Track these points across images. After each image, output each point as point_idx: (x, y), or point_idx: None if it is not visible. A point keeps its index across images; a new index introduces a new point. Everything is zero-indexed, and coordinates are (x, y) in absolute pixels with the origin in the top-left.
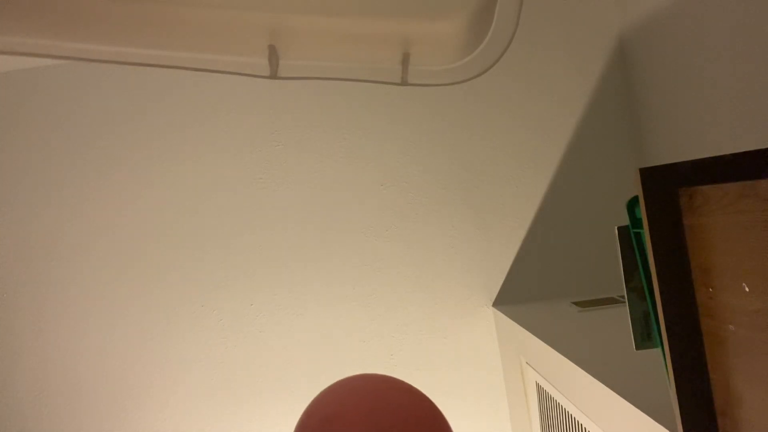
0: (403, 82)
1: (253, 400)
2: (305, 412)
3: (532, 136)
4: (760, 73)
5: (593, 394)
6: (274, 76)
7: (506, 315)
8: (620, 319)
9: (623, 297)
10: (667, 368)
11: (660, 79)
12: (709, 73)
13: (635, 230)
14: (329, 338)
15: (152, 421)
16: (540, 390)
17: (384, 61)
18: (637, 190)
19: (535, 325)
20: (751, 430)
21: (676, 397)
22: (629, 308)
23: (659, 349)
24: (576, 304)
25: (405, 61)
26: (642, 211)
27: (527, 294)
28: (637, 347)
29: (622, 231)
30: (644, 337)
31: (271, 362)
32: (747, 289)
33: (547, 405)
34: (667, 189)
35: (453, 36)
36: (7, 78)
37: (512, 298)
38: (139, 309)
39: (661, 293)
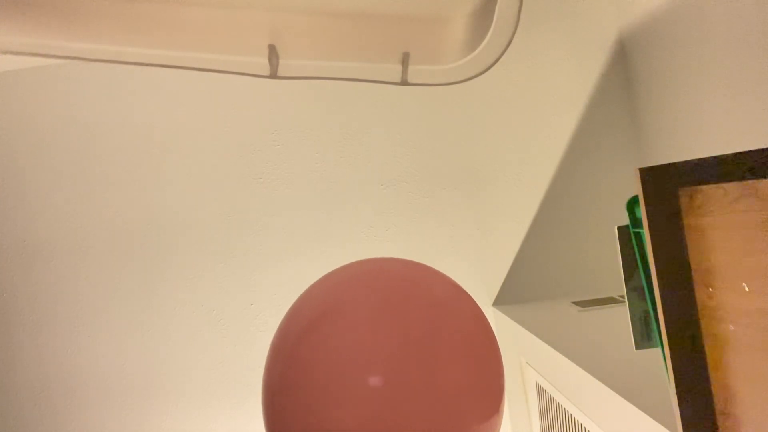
0: (403, 82)
1: (253, 400)
2: (287, 317)
3: (532, 135)
4: (760, 73)
5: (593, 394)
6: (274, 75)
7: (506, 315)
8: (620, 319)
9: (623, 297)
10: (667, 368)
11: (660, 78)
12: (709, 73)
13: (635, 230)
14: None
15: (152, 420)
16: (540, 390)
17: (384, 61)
18: (637, 190)
19: (535, 325)
20: (751, 429)
21: (676, 397)
22: (629, 308)
23: (659, 349)
24: (576, 304)
25: (405, 61)
26: (642, 211)
27: (527, 294)
28: (637, 347)
29: (622, 231)
30: (644, 337)
31: None
32: (747, 289)
33: (547, 405)
34: (667, 189)
35: (453, 36)
36: (8, 78)
37: (512, 298)
38: (139, 309)
39: (661, 293)
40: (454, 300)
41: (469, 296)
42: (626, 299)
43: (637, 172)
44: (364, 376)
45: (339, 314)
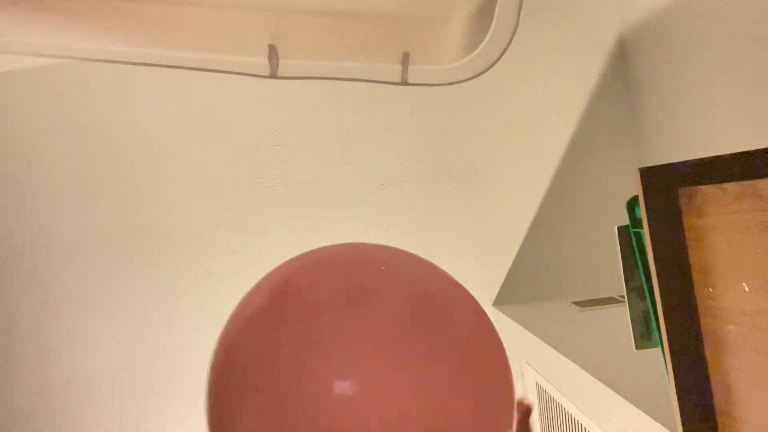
0: (403, 82)
1: None
2: (236, 308)
3: (533, 135)
4: (760, 73)
5: (593, 394)
6: (274, 75)
7: (506, 315)
8: (620, 319)
9: (623, 297)
10: (667, 368)
11: (660, 79)
12: (708, 73)
13: (635, 230)
14: None
15: (152, 420)
16: (540, 390)
17: (384, 60)
18: (637, 190)
19: (535, 325)
20: (750, 429)
21: (676, 397)
22: (629, 308)
23: (659, 349)
24: (576, 304)
25: (405, 61)
26: (642, 211)
27: (527, 294)
28: (637, 347)
29: (622, 231)
30: (644, 337)
31: None
32: (747, 289)
33: (547, 405)
34: (667, 189)
35: (453, 36)
36: (7, 78)
37: (512, 298)
38: (139, 309)
39: (661, 293)
40: (449, 294)
41: (467, 291)
42: (626, 299)
43: (637, 172)
44: (326, 379)
45: (296, 301)
